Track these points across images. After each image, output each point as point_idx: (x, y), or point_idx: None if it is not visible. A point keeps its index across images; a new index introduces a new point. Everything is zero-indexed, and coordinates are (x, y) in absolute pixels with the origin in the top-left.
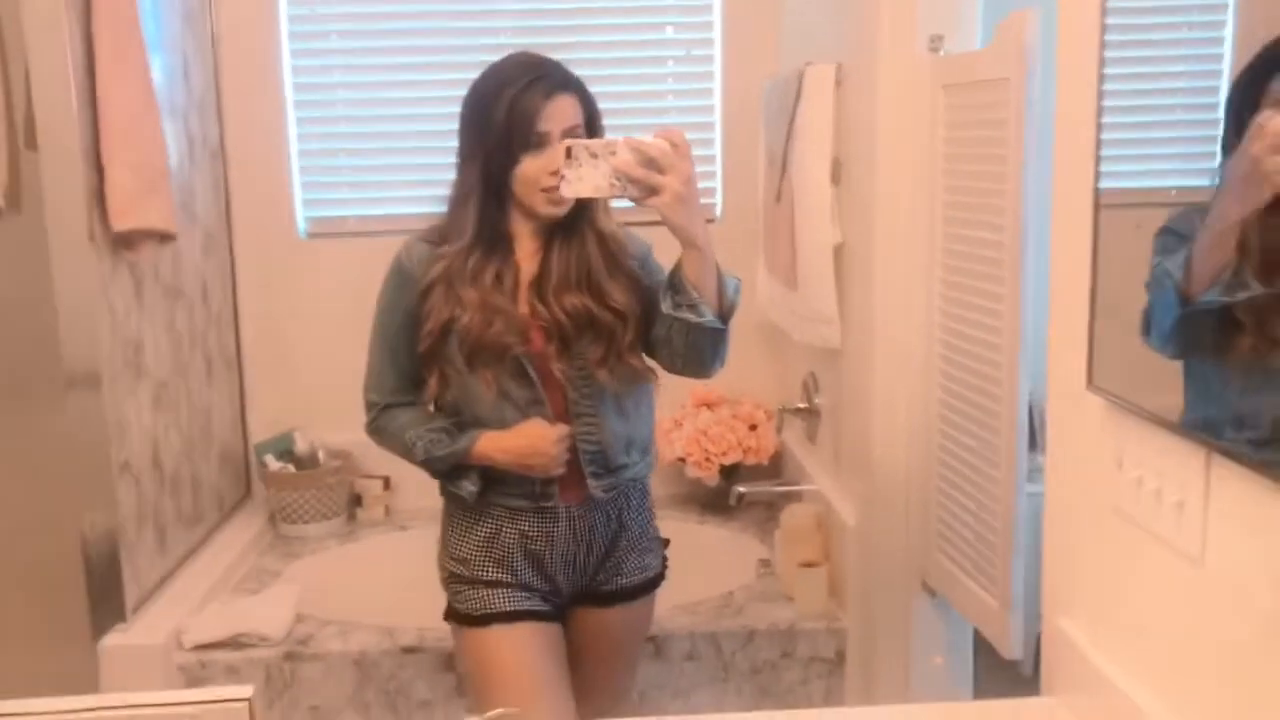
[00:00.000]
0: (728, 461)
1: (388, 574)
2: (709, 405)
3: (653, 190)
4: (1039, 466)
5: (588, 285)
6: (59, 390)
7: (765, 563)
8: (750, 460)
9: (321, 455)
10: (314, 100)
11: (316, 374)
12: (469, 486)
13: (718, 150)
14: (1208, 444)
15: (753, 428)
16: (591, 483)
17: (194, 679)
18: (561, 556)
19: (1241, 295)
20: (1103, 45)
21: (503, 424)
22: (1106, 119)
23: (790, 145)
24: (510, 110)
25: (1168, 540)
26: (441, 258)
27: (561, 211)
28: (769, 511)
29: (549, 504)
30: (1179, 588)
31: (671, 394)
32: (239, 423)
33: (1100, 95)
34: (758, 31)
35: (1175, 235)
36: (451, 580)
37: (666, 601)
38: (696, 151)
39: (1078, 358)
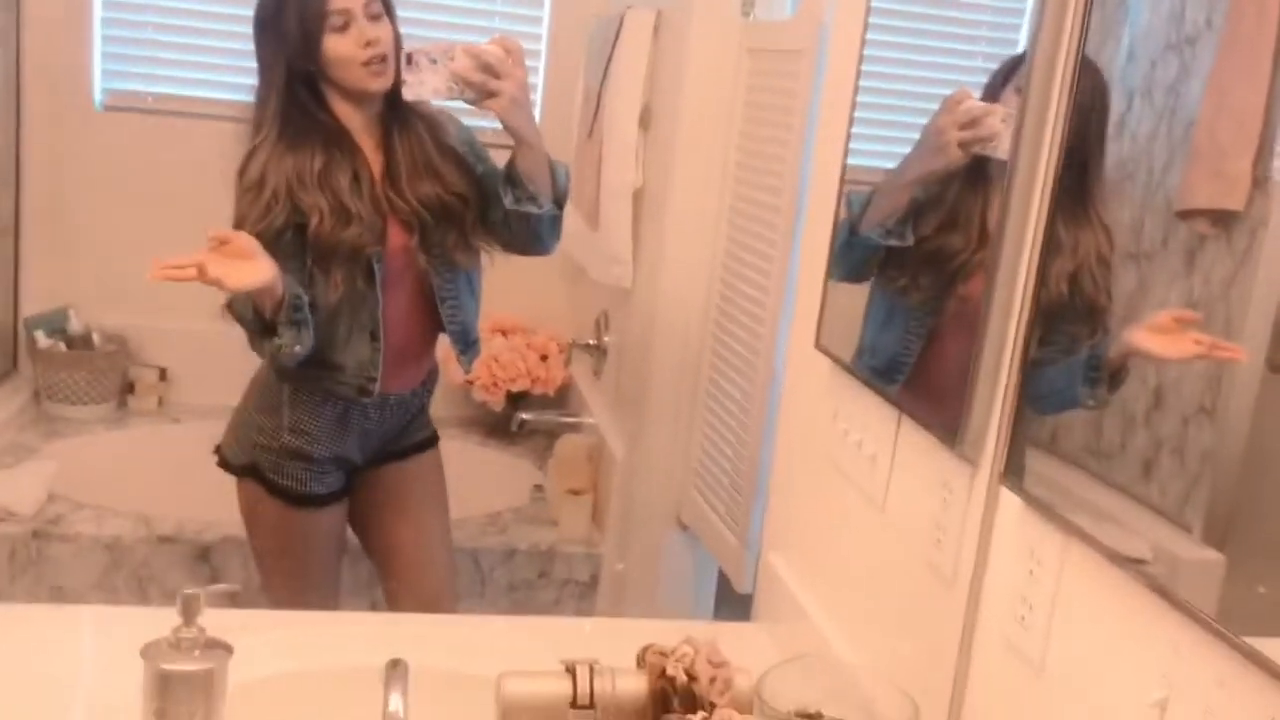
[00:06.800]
0: (516, 389)
1: (154, 464)
2: (504, 332)
3: (489, 93)
4: None
5: (429, 171)
6: None
7: (539, 488)
8: (538, 390)
9: (96, 337)
10: None
11: (98, 252)
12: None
13: (540, 82)
14: (900, 407)
15: (544, 358)
16: (461, 360)
17: None
18: (380, 432)
19: (893, 241)
20: (864, 42)
21: (336, 319)
22: (861, 99)
23: (605, 85)
24: None
25: (861, 487)
26: (255, 151)
27: (387, 84)
28: (549, 440)
29: (372, 395)
30: (866, 529)
31: None
32: (10, 294)
33: (857, 79)
34: None
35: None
36: (283, 451)
37: None
38: None
39: (812, 319)
